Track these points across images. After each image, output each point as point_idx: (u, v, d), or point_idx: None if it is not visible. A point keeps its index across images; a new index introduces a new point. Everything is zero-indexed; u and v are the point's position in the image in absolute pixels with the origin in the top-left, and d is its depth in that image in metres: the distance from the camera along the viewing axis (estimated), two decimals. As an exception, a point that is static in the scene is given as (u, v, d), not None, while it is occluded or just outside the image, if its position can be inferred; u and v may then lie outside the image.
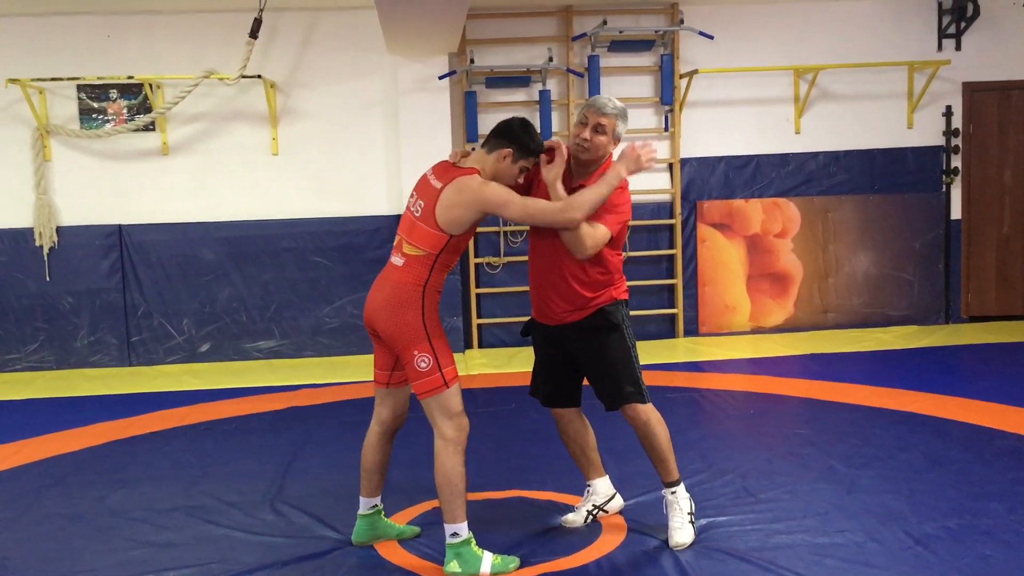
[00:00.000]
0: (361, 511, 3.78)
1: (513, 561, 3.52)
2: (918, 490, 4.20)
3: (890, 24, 8.15)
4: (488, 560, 3.47)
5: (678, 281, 8.11)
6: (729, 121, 8.16)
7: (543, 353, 3.91)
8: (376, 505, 3.79)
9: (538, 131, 3.71)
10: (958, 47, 8.17)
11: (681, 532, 3.68)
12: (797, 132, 8.21)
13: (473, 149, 3.66)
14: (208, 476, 4.77)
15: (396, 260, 3.54)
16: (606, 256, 3.64)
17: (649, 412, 3.69)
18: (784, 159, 8.18)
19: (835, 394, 6.01)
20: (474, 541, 3.50)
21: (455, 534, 3.46)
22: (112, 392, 6.82)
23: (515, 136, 3.51)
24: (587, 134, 3.58)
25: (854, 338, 7.88)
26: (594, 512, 3.97)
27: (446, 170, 3.52)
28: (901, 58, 8.09)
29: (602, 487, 3.99)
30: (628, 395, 3.65)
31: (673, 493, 3.75)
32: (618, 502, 4.04)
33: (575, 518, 3.95)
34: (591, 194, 3.48)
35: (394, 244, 3.59)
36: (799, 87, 8.13)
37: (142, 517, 4.21)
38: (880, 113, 8.24)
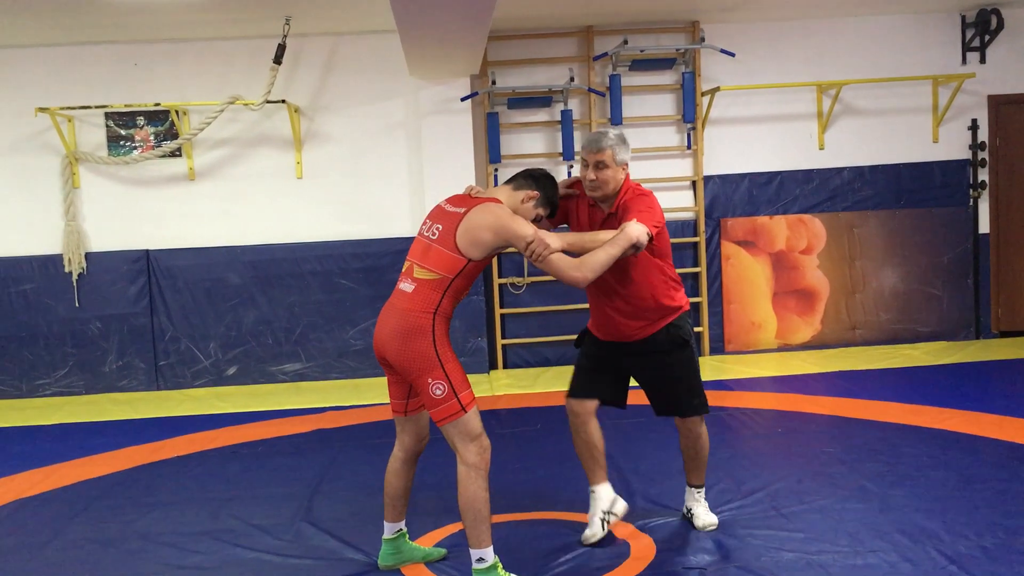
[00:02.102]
0: (386, 536, 3.78)
1: (541, 584, 3.51)
2: (951, 509, 4.14)
3: (913, 38, 8.11)
4: (516, 583, 3.46)
5: (703, 299, 8.07)
6: (752, 138, 8.13)
7: (593, 356, 4.01)
8: (401, 529, 3.79)
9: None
10: (982, 60, 8.11)
11: (709, 515, 4.06)
12: (821, 148, 8.17)
13: (480, 190, 3.72)
14: (236, 499, 4.79)
15: (405, 286, 3.49)
16: (647, 266, 3.78)
17: (703, 424, 4.02)
18: (808, 175, 8.14)
19: (864, 412, 5.94)
20: (500, 565, 3.48)
21: (481, 559, 3.44)
22: (140, 416, 6.87)
23: (544, 185, 3.67)
24: (592, 174, 3.77)
25: (883, 355, 7.79)
26: (606, 518, 3.97)
27: (465, 199, 3.57)
28: (925, 72, 8.04)
29: (604, 492, 4.01)
30: (696, 407, 3.94)
31: (699, 492, 4.10)
32: (621, 505, 4.05)
33: (593, 531, 3.95)
34: (604, 255, 3.48)
35: (402, 271, 3.56)
36: (822, 103, 8.09)
37: (171, 541, 4.23)
38: (905, 127, 8.18)
